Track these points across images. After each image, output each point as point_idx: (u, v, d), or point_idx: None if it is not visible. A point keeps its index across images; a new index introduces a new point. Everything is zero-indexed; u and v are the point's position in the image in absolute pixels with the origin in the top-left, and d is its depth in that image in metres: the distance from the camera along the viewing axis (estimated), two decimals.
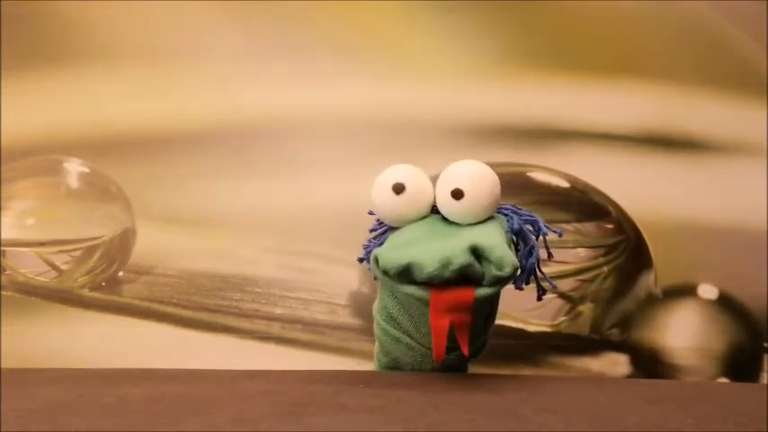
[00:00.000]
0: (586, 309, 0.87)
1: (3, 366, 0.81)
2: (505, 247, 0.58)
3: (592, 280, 0.87)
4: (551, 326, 0.87)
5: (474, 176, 0.61)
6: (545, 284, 0.65)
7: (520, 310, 0.86)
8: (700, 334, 0.87)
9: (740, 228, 0.88)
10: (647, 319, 0.88)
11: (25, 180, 0.90)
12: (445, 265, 0.55)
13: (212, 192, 0.89)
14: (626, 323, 0.88)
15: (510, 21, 0.90)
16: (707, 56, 0.89)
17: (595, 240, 0.87)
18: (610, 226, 0.87)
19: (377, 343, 0.69)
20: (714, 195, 0.88)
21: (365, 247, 0.68)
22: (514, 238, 0.64)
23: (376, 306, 0.68)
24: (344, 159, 0.89)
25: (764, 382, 0.87)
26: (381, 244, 0.64)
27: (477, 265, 0.56)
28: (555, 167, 0.88)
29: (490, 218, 0.62)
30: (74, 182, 0.90)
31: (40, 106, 0.90)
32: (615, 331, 0.88)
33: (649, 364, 0.87)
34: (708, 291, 0.87)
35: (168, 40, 0.91)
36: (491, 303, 0.64)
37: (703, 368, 0.87)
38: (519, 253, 0.63)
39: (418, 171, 0.63)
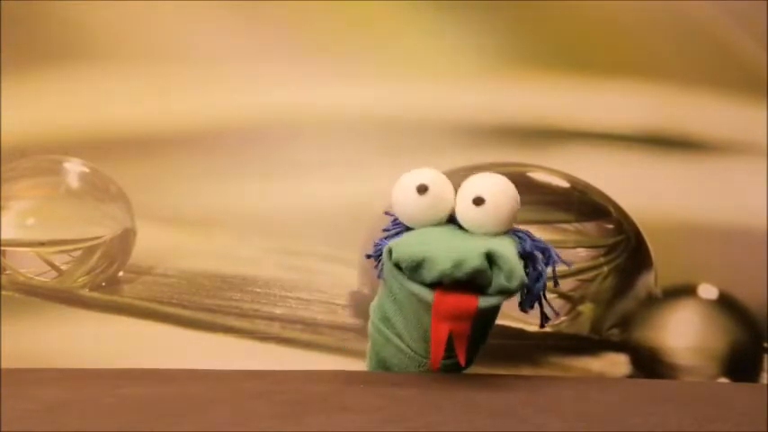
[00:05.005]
0: (586, 309, 0.87)
1: (3, 366, 0.81)
2: (518, 261, 0.60)
3: (592, 280, 0.87)
4: (551, 326, 0.87)
5: (496, 186, 0.63)
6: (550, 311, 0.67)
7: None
8: (700, 334, 0.87)
9: (740, 228, 0.88)
10: (647, 319, 0.87)
11: (25, 180, 0.90)
12: (458, 265, 0.57)
13: (212, 192, 0.89)
14: (626, 323, 0.88)
15: (510, 21, 0.90)
16: (707, 56, 0.89)
17: (595, 240, 0.87)
18: (610, 226, 0.87)
19: (369, 342, 0.69)
20: (714, 195, 0.88)
21: (375, 245, 0.68)
22: (523, 261, 0.64)
23: (373, 304, 0.68)
24: (344, 159, 0.88)
25: (764, 382, 0.87)
26: None
27: (488, 272, 0.58)
28: (555, 167, 0.88)
29: (505, 234, 0.63)
30: (74, 182, 0.90)
31: (40, 106, 0.90)
32: (615, 331, 0.88)
33: (649, 364, 0.87)
34: (708, 291, 0.87)
35: (168, 40, 0.91)
36: (484, 327, 0.64)
37: (703, 368, 0.87)
38: (527, 276, 0.64)
39: (443, 177, 0.65)
